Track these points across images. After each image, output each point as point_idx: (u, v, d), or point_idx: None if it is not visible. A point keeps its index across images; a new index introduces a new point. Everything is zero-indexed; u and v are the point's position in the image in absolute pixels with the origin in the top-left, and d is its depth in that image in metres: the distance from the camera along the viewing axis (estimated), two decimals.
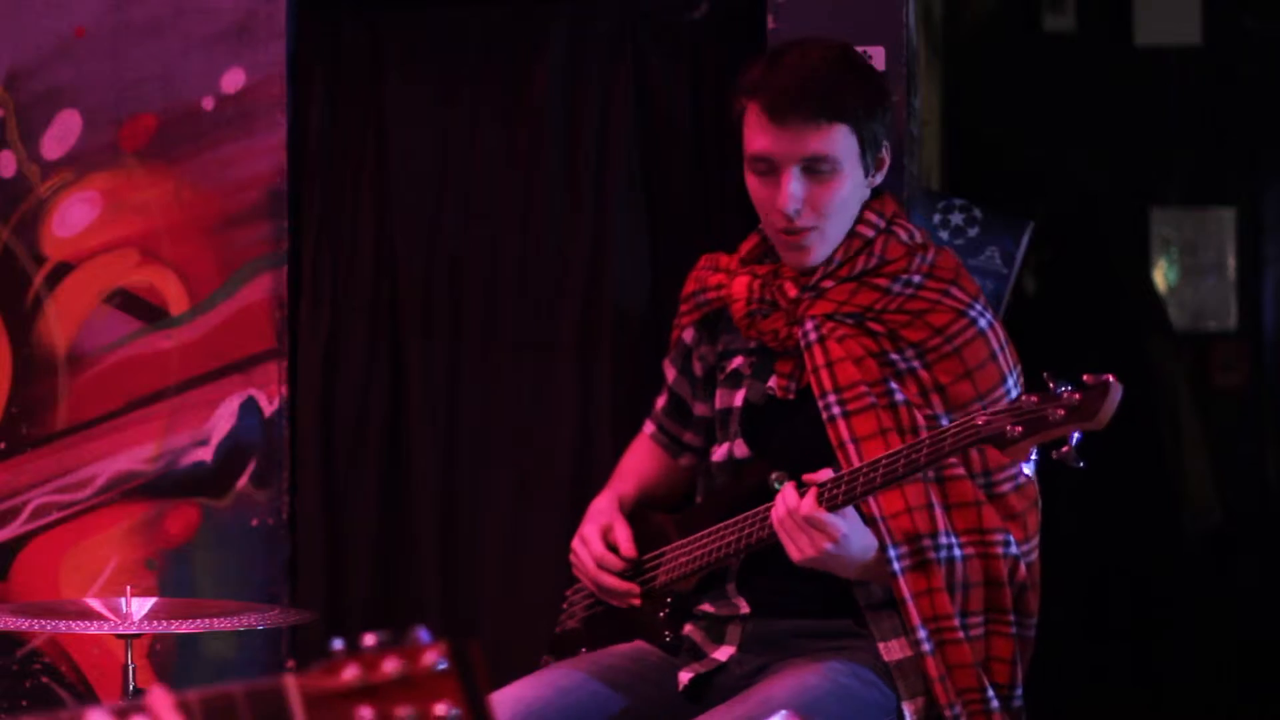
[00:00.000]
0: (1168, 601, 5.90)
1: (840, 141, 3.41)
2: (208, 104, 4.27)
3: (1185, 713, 5.83)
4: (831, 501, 3.22)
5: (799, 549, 3.23)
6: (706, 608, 3.48)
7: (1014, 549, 3.35)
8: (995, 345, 3.42)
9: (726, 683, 3.39)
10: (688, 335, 3.69)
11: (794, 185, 3.42)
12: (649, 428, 3.79)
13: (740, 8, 4.19)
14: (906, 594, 3.28)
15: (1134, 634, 5.84)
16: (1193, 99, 6.00)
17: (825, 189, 3.42)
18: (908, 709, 3.30)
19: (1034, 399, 3.04)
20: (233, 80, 4.27)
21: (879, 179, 3.50)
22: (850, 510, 3.26)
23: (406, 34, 4.32)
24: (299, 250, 4.30)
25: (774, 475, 3.36)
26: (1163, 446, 5.84)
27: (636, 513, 3.65)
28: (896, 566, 3.27)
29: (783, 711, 3.14)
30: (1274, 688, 5.74)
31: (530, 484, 4.27)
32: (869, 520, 3.30)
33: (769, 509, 3.29)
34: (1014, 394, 3.38)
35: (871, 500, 3.29)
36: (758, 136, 3.45)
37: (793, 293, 3.46)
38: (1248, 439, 6.03)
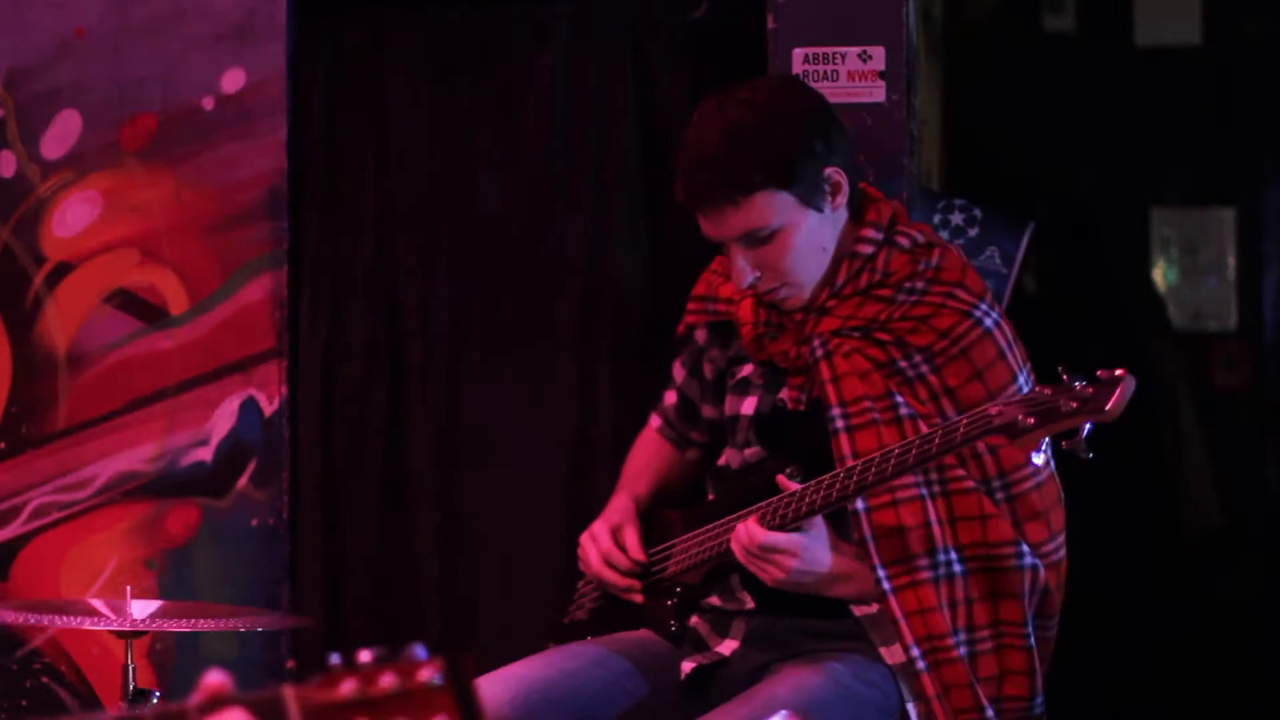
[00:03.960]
0: (1167, 602, 5.90)
1: (765, 207, 3.30)
2: (208, 104, 4.27)
3: (1185, 714, 5.83)
4: (781, 520, 3.22)
5: (769, 576, 3.25)
6: (713, 601, 3.48)
7: (1028, 559, 3.31)
8: (1003, 343, 3.38)
9: (729, 679, 3.39)
10: (699, 336, 3.65)
11: (740, 261, 3.34)
12: (655, 421, 3.76)
13: (740, 8, 4.20)
14: (899, 614, 3.27)
15: (1133, 634, 5.84)
16: (1193, 99, 5.99)
17: (773, 250, 3.33)
18: (913, 710, 3.31)
19: (1047, 391, 3.05)
20: (233, 80, 4.27)
21: (842, 201, 3.37)
22: (817, 521, 3.27)
23: (406, 34, 4.32)
24: (299, 250, 4.31)
25: (788, 470, 3.36)
26: (1162, 447, 5.84)
27: (649, 513, 3.65)
28: (887, 586, 3.26)
29: (783, 712, 3.14)
30: (1275, 689, 5.73)
31: (530, 483, 4.27)
32: (859, 541, 3.28)
33: (770, 505, 3.29)
34: (1026, 391, 3.33)
35: (864, 523, 3.28)
36: (693, 218, 3.39)
37: (798, 315, 3.41)
38: (1248, 439, 6.03)
